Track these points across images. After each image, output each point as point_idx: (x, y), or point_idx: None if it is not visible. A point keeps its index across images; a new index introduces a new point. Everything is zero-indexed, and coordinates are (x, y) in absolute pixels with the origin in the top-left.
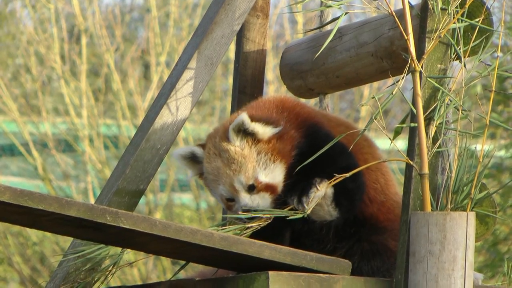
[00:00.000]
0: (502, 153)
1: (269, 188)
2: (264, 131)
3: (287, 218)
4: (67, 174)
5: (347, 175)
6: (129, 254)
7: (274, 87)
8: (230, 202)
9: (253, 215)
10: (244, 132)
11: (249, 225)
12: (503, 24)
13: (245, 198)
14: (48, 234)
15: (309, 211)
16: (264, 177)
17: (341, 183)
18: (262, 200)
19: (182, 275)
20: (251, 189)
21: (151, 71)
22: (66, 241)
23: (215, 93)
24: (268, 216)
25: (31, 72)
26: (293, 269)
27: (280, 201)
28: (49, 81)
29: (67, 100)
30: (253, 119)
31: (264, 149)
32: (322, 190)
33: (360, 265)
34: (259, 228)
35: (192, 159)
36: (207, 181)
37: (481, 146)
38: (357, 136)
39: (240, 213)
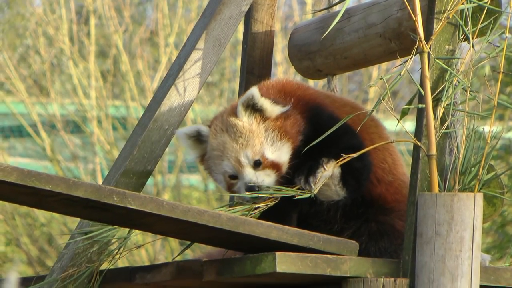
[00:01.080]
0: (510, 134)
1: (274, 166)
2: (272, 108)
3: (294, 198)
4: (76, 155)
5: (355, 155)
6: (137, 236)
7: (282, 69)
8: (232, 180)
9: (260, 194)
10: (253, 107)
11: (256, 205)
12: (511, 5)
13: (250, 174)
14: (55, 215)
15: (316, 191)
16: (271, 154)
17: (348, 163)
18: (267, 178)
19: (189, 256)
20: (257, 165)
21: (159, 52)
22: (73, 222)
23: (224, 75)
24: (275, 196)
25: (39, 53)
26: (300, 250)
27: (286, 182)
28: (58, 63)
29: (75, 81)
30: (262, 95)
31: (271, 126)
32: (329, 170)
33: (368, 246)
34: (266, 208)
35: (197, 139)
36: (210, 161)
37: (489, 127)
38: (363, 116)
39: (246, 193)
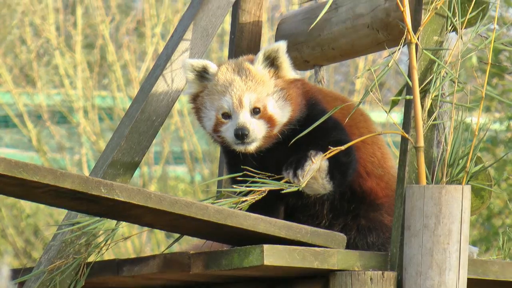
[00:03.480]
0: (496, 126)
1: (270, 120)
2: (289, 70)
3: (282, 192)
4: (62, 145)
5: (342, 148)
6: (123, 228)
7: None
8: (224, 119)
9: (247, 189)
10: (272, 61)
11: (244, 198)
12: None
13: (246, 117)
14: (42, 206)
15: (304, 184)
16: (272, 108)
17: (335, 157)
18: (258, 128)
19: (176, 249)
20: (256, 112)
21: (146, 42)
22: (60, 213)
23: None
24: (263, 189)
25: (26, 43)
26: (288, 243)
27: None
28: (45, 53)
29: (61, 72)
30: None
31: (281, 85)
32: (317, 163)
33: (356, 241)
34: (253, 201)
35: (200, 75)
36: (207, 97)
37: (477, 118)
38: (352, 109)
39: (234, 186)
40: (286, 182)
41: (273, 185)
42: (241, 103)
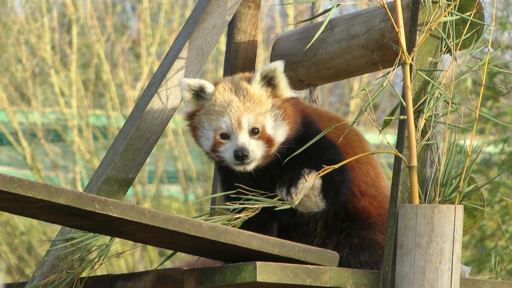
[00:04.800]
0: (490, 149)
1: (269, 140)
2: (286, 89)
3: (275, 209)
4: (56, 164)
5: (336, 166)
6: (116, 245)
7: None
8: (222, 139)
9: (240, 206)
10: (269, 80)
11: (237, 215)
12: (494, 19)
13: (244, 138)
14: (35, 224)
15: (297, 202)
16: (270, 129)
17: (328, 176)
18: (257, 148)
19: (169, 265)
20: (254, 133)
21: (141, 62)
22: (53, 231)
23: None
24: (256, 206)
25: (21, 61)
26: (280, 260)
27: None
28: (40, 71)
29: (56, 90)
30: None
31: (278, 105)
32: (310, 181)
33: (349, 258)
34: (246, 218)
35: (196, 94)
36: (204, 116)
37: (471, 139)
38: (346, 129)
39: (228, 204)
40: (279, 199)
41: (266, 203)
42: (240, 124)
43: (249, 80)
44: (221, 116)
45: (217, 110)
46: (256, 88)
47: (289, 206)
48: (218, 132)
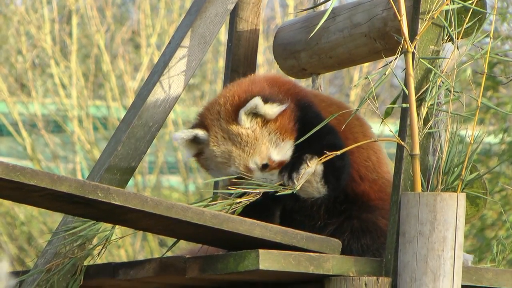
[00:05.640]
0: (490, 139)
1: (280, 165)
2: (273, 111)
3: (276, 194)
4: (56, 154)
5: (338, 153)
6: (117, 232)
7: (264, 70)
8: (237, 180)
9: (243, 190)
10: (254, 113)
11: (238, 200)
12: (496, 7)
13: (259, 176)
14: (35, 214)
15: (298, 187)
16: (277, 155)
17: (330, 161)
18: (272, 176)
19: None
20: (264, 167)
21: (141, 52)
22: (54, 222)
23: (206, 76)
24: (258, 191)
25: (21, 52)
26: (283, 248)
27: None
28: (40, 62)
29: (56, 81)
30: (263, 100)
31: (273, 128)
32: (312, 167)
33: (350, 243)
34: (247, 203)
35: (193, 141)
36: (210, 163)
37: (472, 128)
38: (348, 116)
39: (229, 188)
40: (281, 185)
41: (267, 187)
42: (248, 169)
43: (232, 119)
44: (228, 166)
45: (221, 161)
46: (247, 126)
47: (290, 192)
48: (231, 175)
